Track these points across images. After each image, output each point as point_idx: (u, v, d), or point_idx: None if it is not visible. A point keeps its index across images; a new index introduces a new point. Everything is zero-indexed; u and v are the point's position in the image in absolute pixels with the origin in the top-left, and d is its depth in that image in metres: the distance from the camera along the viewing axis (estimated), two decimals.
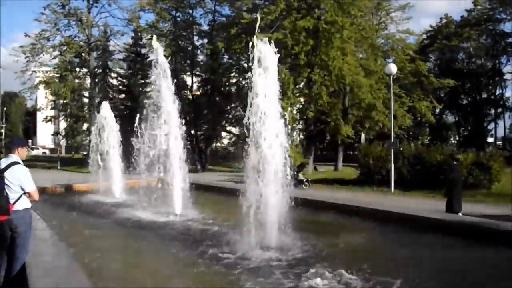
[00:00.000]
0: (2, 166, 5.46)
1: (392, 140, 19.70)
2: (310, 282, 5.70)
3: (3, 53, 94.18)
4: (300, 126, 37.00)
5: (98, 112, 16.60)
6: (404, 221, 9.01)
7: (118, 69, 40.55)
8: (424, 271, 6.25)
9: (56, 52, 35.31)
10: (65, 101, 36.96)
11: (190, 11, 37.46)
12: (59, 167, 35.18)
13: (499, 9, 47.62)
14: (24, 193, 5.54)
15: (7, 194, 5.36)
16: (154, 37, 13.35)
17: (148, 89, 11.71)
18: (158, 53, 11.43)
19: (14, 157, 5.62)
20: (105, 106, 16.38)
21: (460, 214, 10.17)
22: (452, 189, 10.73)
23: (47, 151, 66.14)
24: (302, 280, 5.80)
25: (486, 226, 8.11)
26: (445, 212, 10.33)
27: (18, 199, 5.48)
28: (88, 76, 37.58)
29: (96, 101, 33.89)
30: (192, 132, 36.30)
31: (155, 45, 11.60)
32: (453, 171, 11.06)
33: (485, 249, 7.16)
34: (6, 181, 5.39)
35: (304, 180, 20.43)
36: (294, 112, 31.99)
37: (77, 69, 37.61)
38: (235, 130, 38.42)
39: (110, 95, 37.83)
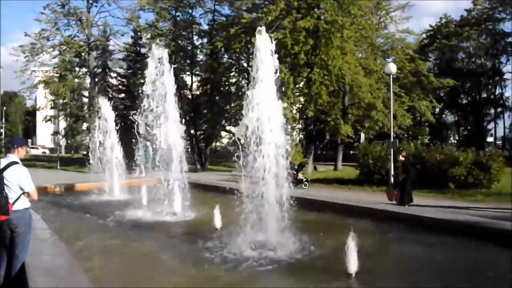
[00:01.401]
0: (1, 166, 5.47)
1: (391, 140, 19.67)
2: (309, 283, 5.71)
3: (3, 53, 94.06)
4: (299, 126, 37.02)
5: (97, 112, 16.58)
6: (404, 220, 9.03)
7: (117, 69, 40.52)
8: (425, 271, 6.26)
9: (56, 52, 35.28)
10: (64, 101, 36.91)
11: (190, 11, 37.44)
12: (58, 167, 35.18)
13: (498, 8, 47.68)
14: (23, 193, 5.55)
15: (6, 194, 5.36)
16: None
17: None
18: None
19: (13, 157, 5.62)
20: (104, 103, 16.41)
21: (407, 206, 12.05)
22: (405, 185, 12.81)
23: (47, 151, 66.13)
24: (302, 281, 5.81)
25: (485, 226, 8.12)
26: (397, 205, 12.30)
27: (18, 199, 5.47)
28: (87, 76, 37.54)
29: (96, 101, 33.88)
30: (192, 131, 36.30)
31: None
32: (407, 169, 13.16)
33: (484, 249, 7.17)
34: (5, 181, 5.39)
35: (304, 179, 20.43)
36: (294, 111, 31.97)
37: (77, 69, 37.53)
38: (235, 129, 38.41)
39: (110, 95, 37.81)
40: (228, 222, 8.17)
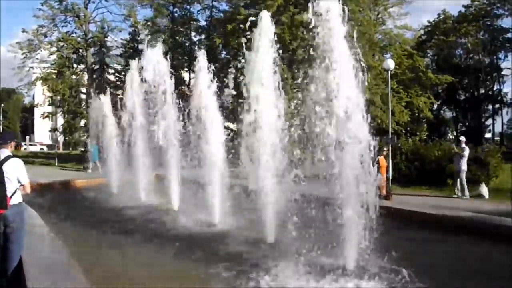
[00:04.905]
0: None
1: (390, 136, 19.63)
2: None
3: (2, 49, 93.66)
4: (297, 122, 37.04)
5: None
6: (403, 218, 9.05)
7: (115, 65, 40.40)
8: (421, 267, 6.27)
9: (54, 49, 35.12)
10: (62, 98, 36.79)
11: (188, 7, 37.37)
12: (56, 164, 35.08)
13: (497, 4, 47.57)
14: (20, 185, 5.59)
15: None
16: None
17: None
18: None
19: (7, 152, 5.68)
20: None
21: None
22: None
23: (45, 148, 65.90)
24: None
25: (484, 222, 8.13)
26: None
27: (14, 193, 5.51)
28: (85, 72, 37.41)
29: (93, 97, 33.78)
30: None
31: None
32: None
33: (483, 245, 7.18)
34: (5, 174, 5.43)
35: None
36: (292, 107, 31.92)
37: (75, 65, 37.40)
38: (233, 126, 38.33)
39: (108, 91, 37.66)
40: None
